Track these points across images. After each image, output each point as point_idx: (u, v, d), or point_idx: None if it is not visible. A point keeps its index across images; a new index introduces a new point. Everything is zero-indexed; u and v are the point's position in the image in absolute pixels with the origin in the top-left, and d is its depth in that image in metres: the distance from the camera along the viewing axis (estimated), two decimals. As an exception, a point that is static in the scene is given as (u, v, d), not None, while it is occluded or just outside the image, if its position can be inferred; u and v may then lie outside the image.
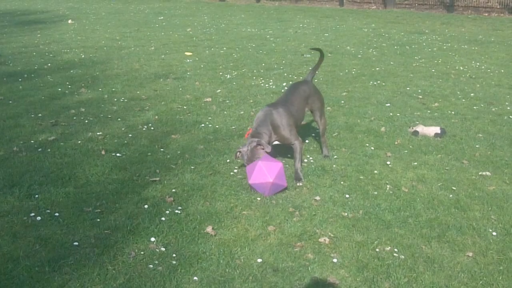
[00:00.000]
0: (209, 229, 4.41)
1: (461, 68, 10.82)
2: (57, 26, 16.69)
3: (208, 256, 4.05)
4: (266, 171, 4.97)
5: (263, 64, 11.08)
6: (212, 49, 12.94)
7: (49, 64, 10.71)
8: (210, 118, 7.34)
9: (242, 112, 7.61)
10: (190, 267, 3.90)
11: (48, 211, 4.62)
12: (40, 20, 18.35)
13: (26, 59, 11.27)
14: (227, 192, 5.11)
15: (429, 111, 7.82)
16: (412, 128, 6.86)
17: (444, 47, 13.43)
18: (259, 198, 4.98)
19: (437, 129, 6.70)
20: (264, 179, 4.96)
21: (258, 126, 5.36)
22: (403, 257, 4.10)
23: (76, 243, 4.13)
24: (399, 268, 3.95)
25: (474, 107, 8.02)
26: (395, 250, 4.19)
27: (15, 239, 4.16)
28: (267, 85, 9.25)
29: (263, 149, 5.23)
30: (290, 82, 9.45)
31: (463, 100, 8.45)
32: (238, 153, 5.35)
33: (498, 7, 21.48)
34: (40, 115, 7.32)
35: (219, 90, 8.88)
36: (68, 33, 15.10)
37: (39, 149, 6.03)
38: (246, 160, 5.25)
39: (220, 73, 10.18)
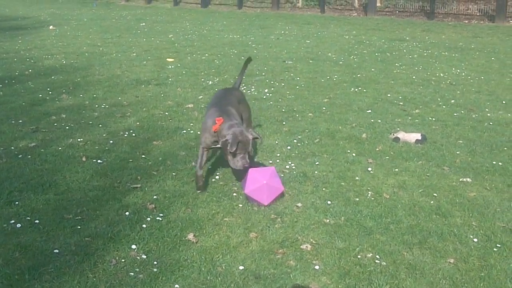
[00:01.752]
0: (190, 236, 4.40)
1: (442, 75, 10.92)
2: (38, 32, 16.59)
3: (190, 263, 4.04)
4: (258, 176, 4.95)
5: (245, 71, 11.04)
6: (194, 55, 12.93)
7: (30, 70, 10.64)
8: (191, 124, 7.33)
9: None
10: (172, 274, 3.88)
11: (28, 218, 4.58)
12: (21, 26, 18.23)
13: (6, 65, 11.18)
14: (208, 199, 5.09)
15: (410, 118, 7.87)
16: (393, 134, 6.89)
17: (425, 54, 13.55)
18: (240, 205, 4.97)
19: (418, 136, 6.75)
20: (258, 183, 4.91)
21: (229, 116, 5.17)
22: (384, 263, 4.11)
23: (56, 251, 4.09)
24: (381, 275, 3.96)
25: (455, 114, 8.08)
26: (377, 256, 4.20)
27: (-6, 247, 4.12)
28: (249, 91, 9.25)
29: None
30: (272, 89, 9.47)
31: (444, 106, 8.52)
32: (226, 141, 4.95)
33: (478, 14, 21.74)
34: (20, 121, 7.25)
35: (201, 96, 8.87)
36: (49, 39, 15.00)
37: (19, 156, 5.97)
38: (238, 145, 4.96)
39: (202, 80, 10.18)
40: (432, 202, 5.16)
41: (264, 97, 8.94)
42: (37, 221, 4.53)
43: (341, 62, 12.26)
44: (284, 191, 5.12)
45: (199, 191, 5.17)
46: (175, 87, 9.52)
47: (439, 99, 9.00)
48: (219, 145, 5.09)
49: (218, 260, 4.10)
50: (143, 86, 9.56)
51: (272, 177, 5.00)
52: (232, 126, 5.02)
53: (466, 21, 21.24)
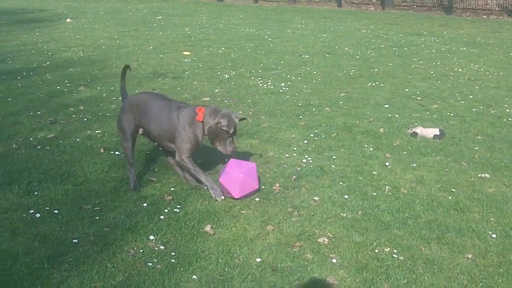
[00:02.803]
0: (207, 228, 4.41)
1: (460, 70, 10.84)
2: (55, 25, 16.67)
3: (207, 255, 4.05)
4: (236, 168, 4.91)
5: (261, 64, 11.07)
6: (210, 48, 12.93)
7: (47, 62, 10.70)
8: (208, 117, 7.33)
9: (240, 112, 7.59)
10: (189, 265, 3.90)
11: (47, 208, 4.62)
12: (39, 18, 18.33)
13: (25, 57, 11.25)
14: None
15: (428, 113, 7.82)
16: (411, 129, 6.86)
17: (443, 49, 13.45)
18: (257, 198, 4.97)
19: (436, 131, 6.71)
20: (234, 174, 4.87)
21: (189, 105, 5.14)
22: (402, 258, 4.10)
23: (75, 240, 4.13)
24: (399, 269, 3.95)
25: (473, 109, 8.03)
26: (395, 251, 4.19)
27: (14, 235, 4.16)
28: (265, 85, 9.25)
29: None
30: (289, 83, 9.46)
31: (462, 102, 8.46)
32: (223, 122, 4.88)
33: (497, 9, 21.53)
34: (39, 113, 7.30)
35: (217, 90, 8.88)
36: (66, 32, 15.08)
37: (38, 147, 6.02)
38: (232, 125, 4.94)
39: (218, 73, 10.18)
40: (450, 197, 5.13)
41: (281, 91, 8.93)
42: (56, 211, 4.57)
43: (358, 56, 12.21)
44: (258, 190, 5.04)
45: (222, 197, 4.97)
46: (192, 80, 9.53)
47: (457, 94, 8.93)
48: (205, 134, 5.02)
49: (235, 252, 4.11)
50: (159, 79, 9.58)
51: (250, 173, 4.94)
52: (215, 110, 4.99)
53: (485, 16, 21.04)
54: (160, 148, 5.40)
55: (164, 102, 5.11)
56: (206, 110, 4.95)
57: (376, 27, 17.62)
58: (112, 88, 8.77)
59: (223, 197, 4.92)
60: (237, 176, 4.86)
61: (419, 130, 6.78)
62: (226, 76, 9.94)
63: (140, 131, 5.20)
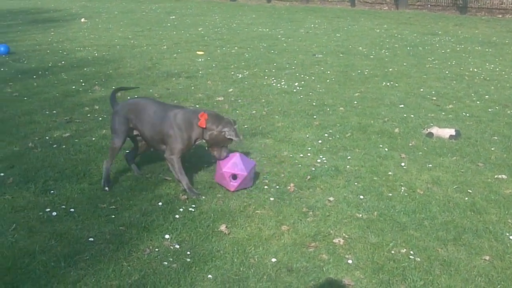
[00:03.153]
0: (222, 227, 4.41)
1: (475, 70, 10.77)
2: (70, 25, 16.75)
3: (222, 254, 4.05)
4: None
5: (275, 64, 11.06)
6: (224, 48, 12.94)
7: (62, 62, 10.75)
8: (223, 117, 7.33)
9: (254, 112, 7.60)
10: (205, 265, 3.90)
11: (64, 206, 4.64)
12: (53, 18, 18.43)
13: (40, 56, 11.32)
14: (240, 191, 5.09)
15: (443, 113, 7.78)
16: (427, 129, 6.83)
17: (458, 49, 13.37)
18: (272, 198, 4.97)
19: (452, 131, 6.67)
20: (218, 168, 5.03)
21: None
22: (419, 259, 4.07)
23: (91, 239, 4.15)
24: (415, 271, 3.92)
25: (489, 109, 7.97)
26: (411, 252, 4.16)
27: (31, 234, 4.18)
28: (278, 85, 9.24)
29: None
30: (302, 82, 9.44)
31: (478, 102, 8.40)
32: (228, 132, 4.96)
33: (512, 9, 21.36)
34: (54, 112, 7.34)
35: (231, 89, 8.88)
36: (81, 32, 15.15)
37: (54, 146, 6.05)
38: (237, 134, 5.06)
39: (232, 73, 10.18)
40: (466, 198, 5.10)
41: (294, 90, 8.92)
42: (72, 209, 4.59)
43: (372, 56, 12.17)
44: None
45: (203, 197, 4.99)
46: (205, 80, 9.54)
47: (473, 94, 8.88)
48: (200, 140, 5.09)
49: (250, 251, 4.10)
50: (173, 78, 9.60)
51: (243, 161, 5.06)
52: (218, 117, 5.05)
53: (500, 16, 20.89)
54: (152, 150, 5.45)
55: (160, 105, 5.19)
56: (208, 117, 4.97)
57: (390, 26, 17.55)
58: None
59: (204, 197, 4.96)
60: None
61: (435, 130, 6.74)
62: (240, 75, 9.94)
63: (134, 132, 5.25)
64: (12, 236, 4.14)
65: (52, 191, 4.92)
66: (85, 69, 10.14)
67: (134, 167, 5.48)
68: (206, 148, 5.26)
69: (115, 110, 5.27)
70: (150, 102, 5.26)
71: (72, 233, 4.22)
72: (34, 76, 9.40)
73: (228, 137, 4.95)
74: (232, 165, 4.96)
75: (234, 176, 4.98)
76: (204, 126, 4.94)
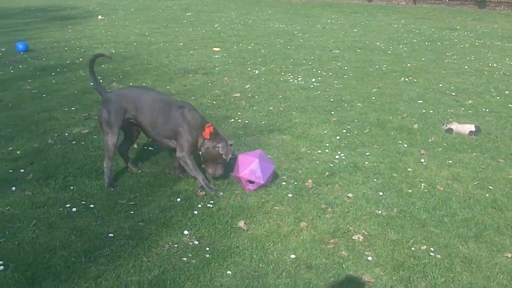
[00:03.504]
0: (241, 223, 4.41)
1: (495, 65, 10.67)
2: (87, 22, 16.81)
3: (241, 250, 4.05)
4: (248, 156, 5.04)
5: (291, 60, 11.03)
6: (240, 44, 12.92)
7: (80, 59, 10.80)
8: (239, 113, 7.33)
9: (271, 108, 7.58)
10: (224, 261, 3.90)
11: (83, 202, 4.67)
12: (71, 15, 18.51)
13: (58, 53, 11.37)
14: (257, 188, 5.09)
15: (462, 109, 7.71)
16: (446, 125, 6.77)
17: (477, 44, 13.25)
18: (290, 195, 4.95)
19: (471, 127, 6.61)
20: (251, 161, 4.97)
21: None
22: (439, 256, 4.04)
23: (111, 235, 4.16)
24: (436, 268, 3.90)
25: (509, 105, 7.89)
26: (431, 249, 4.13)
27: (51, 229, 4.21)
28: (295, 81, 9.21)
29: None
30: (319, 78, 9.40)
31: (498, 97, 8.32)
32: (222, 147, 5.01)
33: (531, 3, 21.13)
34: (73, 108, 7.38)
35: (248, 86, 8.87)
36: (98, 29, 15.20)
37: (73, 142, 6.08)
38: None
39: (249, 69, 10.17)
40: (487, 195, 5.05)
41: (312, 86, 8.89)
42: (92, 205, 4.61)
43: (389, 51, 12.09)
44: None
45: (221, 193, 4.99)
46: (222, 76, 9.54)
47: (492, 89, 8.79)
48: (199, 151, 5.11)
49: (269, 248, 4.10)
50: (190, 75, 9.61)
51: (262, 156, 5.06)
52: (216, 133, 5.07)
53: (519, 11, 20.68)
54: (150, 140, 5.37)
55: (164, 98, 5.08)
56: (213, 131, 5.02)
57: (407, 21, 17.43)
58: (144, 84, 8.81)
59: (221, 193, 4.95)
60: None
61: (454, 126, 6.68)
62: (257, 71, 9.93)
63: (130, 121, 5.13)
64: (32, 231, 4.17)
65: (72, 187, 4.94)
66: (102, 66, 10.16)
67: (130, 164, 5.40)
68: (202, 166, 5.24)
69: (106, 98, 5.03)
70: (148, 92, 5.15)
71: (92, 229, 4.23)
72: (53, 73, 9.45)
73: (221, 152, 4.99)
74: (250, 172, 4.94)
75: (251, 181, 4.97)
76: (208, 137, 4.98)
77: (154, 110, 4.97)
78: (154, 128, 5.00)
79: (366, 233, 4.35)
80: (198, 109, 5.07)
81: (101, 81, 8.88)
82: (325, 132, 6.66)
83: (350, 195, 4.99)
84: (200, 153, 5.09)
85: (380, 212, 4.69)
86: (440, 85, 9.04)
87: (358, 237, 4.27)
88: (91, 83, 5.44)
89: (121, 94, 5.07)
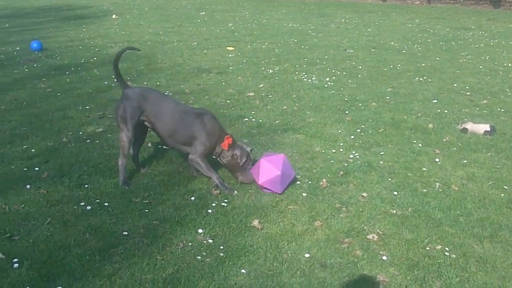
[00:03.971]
0: (255, 222, 4.40)
1: (510, 65, 10.59)
2: (101, 21, 16.89)
3: (255, 249, 4.04)
4: (271, 165, 4.88)
5: (305, 59, 11.02)
6: (254, 44, 12.92)
7: (95, 58, 10.85)
8: (253, 112, 7.33)
9: (285, 107, 7.58)
10: (238, 259, 3.90)
11: (98, 200, 4.68)
12: (85, 15, 18.60)
13: (72, 53, 11.43)
14: (273, 187, 5.09)
15: (477, 108, 7.66)
16: (461, 125, 6.73)
17: (491, 43, 13.16)
18: (304, 194, 4.94)
19: (486, 127, 6.57)
20: (273, 173, 4.86)
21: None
22: (454, 256, 4.02)
23: (125, 233, 4.17)
24: (451, 268, 3.87)
25: (524, 105, 7.84)
26: (446, 249, 4.11)
27: (66, 227, 4.22)
28: (309, 80, 9.20)
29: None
30: (333, 78, 9.38)
31: (513, 97, 8.27)
32: (239, 155, 5.07)
33: (547, 3, 20.95)
34: (87, 107, 7.41)
35: (261, 85, 8.86)
36: (112, 28, 15.26)
37: (88, 140, 6.10)
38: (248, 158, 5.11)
39: (263, 68, 10.16)
40: (502, 195, 5.02)
41: (326, 85, 8.87)
42: (106, 203, 4.62)
43: (404, 51, 12.04)
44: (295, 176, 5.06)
45: (236, 192, 4.99)
46: (236, 75, 9.54)
47: (507, 89, 8.73)
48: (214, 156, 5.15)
49: (283, 247, 4.09)
50: (204, 74, 9.62)
51: (285, 166, 4.95)
52: (234, 143, 5.10)
53: (534, 10, 20.52)
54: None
55: (183, 108, 5.12)
56: (232, 142, 5.05)
57: (422, 21, 17.35)
58: (158, 83, 8.84)
59: (236, 192, 4.95)
60: (276, 175, 4.87)
61: (469, 126, 6.64)
62: (270, 71, 9.92)
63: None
64: (47, 229, 4.18)
65: (86, 185, 4.96)
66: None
67: (138, 164, 5.40)
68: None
69: (125, 94, 5.06)
70: (167, 100, 5.16)
71: (107, 227, 4.25)
72: (67, 72, 9.49)
73: (238, 161, 5.03)
74: (270, 183, 4.89)
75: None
76: (226, 148, 5.04)
77: (173, 120, 4.99)
78: (172, 136, 5.04)
79: (380, 232, 4.33)
80: (212, 109, 5.08)
81: (115, 80, 8.96)
82: (339, 131, 6.64)
83: (364, 194, 4.98)
84: (222, 163, 5.16)
85: (394, 211, 4.67)
86: (455, 84, 8.99)
87: (373, 237, 4.26)
88: (114, 78, 5.41)
89: (140, 94, 5.06)
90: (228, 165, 5.13)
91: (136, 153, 5.38)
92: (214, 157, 5.15)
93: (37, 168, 5.29)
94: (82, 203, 4.61)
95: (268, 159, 4.98)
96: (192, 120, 4.98)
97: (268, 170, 4.89)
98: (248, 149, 5.15)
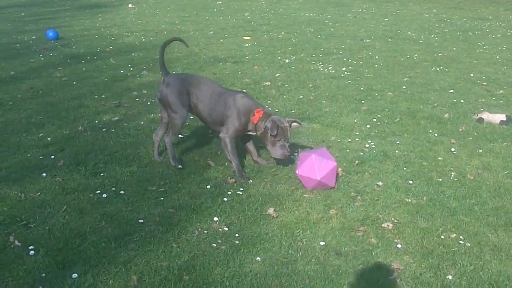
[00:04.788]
0: (270, 210, 4.42)
1: (527, 55, 10.49)
2: (117, 10, 16.92)
3: (270, 237, 4.06)
4: (316, 167, 4.74)
5: (322, 49, 10.98)
6: (270, 33, 12.89)
7: (111, 47, 10.88)
8: (269, 102, 7.32)
9: (301, 97, 7.57)
10: (253, 247, 3.92)
11: (113, 189, 4.71)
12: (101, 4, 18.63)
13: (88, 42, 11.47)
14: (287, 175, 5.10)
15: (494, 98, 7.61)
16: (477, 115, 6.69)
17: (509, 34, 13.04)
18: (320, 182, 4.94)
19: (502, 117, 6.52)
20: (312, 175, 4.74)
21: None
22: (469, 244, 4.01)
23: (141, 221, 4.20)
24: (465, 256, 3.87)
25: (542, 95, 7.77)
26: (461, 237, 4.10)
27: (82, 215, 4.26)
28: (326, 70, 9.17)
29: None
30: (350, 67, 9.35)
31: (530, 87, 8.20)
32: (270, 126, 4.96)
33: None
34: (103, 96, 7.45)
35: (278, 74, 8.85)
36: (128, 17, 15.29)
37: (103, 129, 6.14)
38: (278, 130, 4.98)
39: (279, 58, 10.15)
40: (518, 184, 5.00)
41: (342, 75, 8.84)
42: (122, 191, 4.66)
43: (421, 41, 11.96)
44: (336, 167, 4.86)
45: (251, 181, 5.01)
46: (252, 65, 9.53)
47: (524, 79, 8.66)
48: (251, 133, 5.17)
49: (298, 235, 4.10)
50: (220, 63, 9.62)
51: (328, 175, 4.76)
52: (267, 114, 5.05)
53: (554, -1, 20.26)
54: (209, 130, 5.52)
55: (219, 89, 5.23)
56: (263, 115, 5.03)
57: (439, 11, 17.21)
58: (174, 72, 8.83)
59: (251, 181, 4.97)
60: (313, 179, 4.74)
61: (485, 115, 6.60)
62: (287, 60, 9.90)
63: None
64: (63, 217, 4.22)
65: (102, 174, 5.00)
66: (133, 54, 10.24)
67: (157, 150, 5.41)
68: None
69: (168, 80, 5.24)
70: (206, 81, 5.33)
71: (122, 215, 4.28)
72: (83, 61, 9.54)
73: (269, 132, 4.96)
74: (327, 176, 4.76)
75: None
76: (256, 122, 5.03)
77: (212, 100, 5.12)
78: (210, 117, 5.14)
79: (395, 221, 4.33)
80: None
81: (131, 69, 9.01)
82: (355, 121, 6.62)
83: (380, 183, 4.97)
84: (258, 136, 5.15)
85: (409, 200, 4.67)
86: (471, 75, 8.93)
87: (388, 225, 4.26)
88: (158, 64, 5.46)
89: (182, 78, 5.29)
90: (261, 137, 5.10)
91: (159, 139, 5.40)
92: (253, 133, 5.16)
93: (53, 156, 5.33)
94: (98, 191, 4.64)
95: (319, 153, 4.85)
96: (225, 99, 5.09)
97: (324, 164, 4.75)
98: (286, 124, 5.04)
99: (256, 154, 5.40)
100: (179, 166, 5.12)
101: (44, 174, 4.93)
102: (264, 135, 5.04)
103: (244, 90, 5.31)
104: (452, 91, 7.93)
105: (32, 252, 3.74)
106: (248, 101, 5.11)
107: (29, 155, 5.36)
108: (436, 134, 6.20)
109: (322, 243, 4.00)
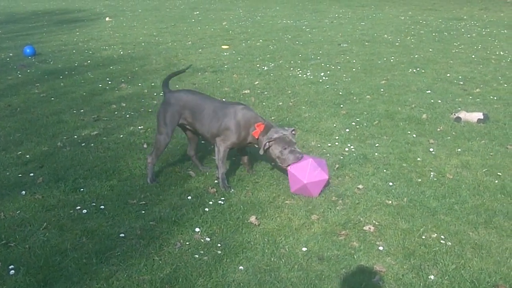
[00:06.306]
0: (252, 219, 4.42)
1: (502, 53, 10.62)
2: (95, 24, 16.88)
3: (253, 245, 4.06)
4: (308, 171, 4.74)
5: (300, 55, 11.03)
6: (249, 41, 12.93)
7: (88, 61, 10.85)
8: (249, 109, 7.32)
9: (280, 103, 7.59)
10: (236, 256, 3.91)
11: (94, 204, 4.68)
12: (78, 18, 18.59)
13: (66, 56, 11.42)
14: (268, 182, 5.11)
15: (470, 97, 7.69)
16: (455, 114, 6.75)
17: (483, 33, 13.19)
18: (301, 188, 4.95)
19: (480, 115, 6.59)
20: (301, 176, 4.74)
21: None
22: (450, 243, 4.04)
23: (122, 235, 4.18)
24: (447, 255, 3.89)
25: (517, 92, 7.86)
26: (442, 237, 4.13)
27: (62, 232, 4.22)
28: (304, 76, 9.21)
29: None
30: (328, 72, 9.40)
31: (505, 85, 8.28)
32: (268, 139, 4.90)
33: (539, -10, 20.95)
34: (82, 110, 7.41)
35: (257, 82, 8.88)
36: (106, 30, 15.26)
37: (83, 144, 6.11)
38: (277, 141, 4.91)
39: (257, 65, 10.18)
40: (496, 181, 5.04)
41: (321, 80, 8.88)
42: (102, 206, 4.63)
43: (397, 43, 12.06)
44: (328, 179, 4.89)
45: (233, 190, 5.00)
46: (231, 73, 9.55)
47: (500, 77, 8.75)
48: (251, 144, 5.11)
49: (281, 242, 4.11)
50: (199, 73, 9.62)
51: (312, 172, 4.76)
52: (271, 127, 4.95)
53: (527, -3, 20.53)
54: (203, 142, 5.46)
55: (220, 105, 5.13)
56: (264, 128, 4.94)
57: (414, 13, 17.37)
58: (153, 84, 8.85)
59: (233, 190, 4.96)
60: (302, 185, 4.75)
61: (463, 114, 6.66)
62: (265, 68, 9.94)
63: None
64: (43, 234, 4.18)
65: (82, 189, 4.97)
66: (111, 67, 10.22)
67: (201, 167, 5.43)
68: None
69: (167, 99, 5.18)
70: (205, 97, 5.25)
71: (103, 230, 4.25)
72: (61, 76, 9.49)
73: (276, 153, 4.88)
74: (315, 184, 4.79)
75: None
76: (257, 137, 4.96)
77: (210, 118, 5.05)
78: (209, 131, 5.08)
79: (377, 223, 4.35)
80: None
81: (109, 82, 8.99)
82: (334, 125, 6.65)
83: (360, 186, 5.00)
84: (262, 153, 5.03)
85: (390, 202, 4.69)
86: (448, 75, 9.01)
87: (369, 228, 4.28)
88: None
89: (180, 99, 5.16)
90: (267, 156, 4.99)
91: (194, 154, 5.43)
92: (255, 145, 5.07)
93: (32, 174, 5.30)
94: (78, 207, 4.61)
95: (317, 162, 4.84)
96: (225, 111, 5.02)
97: (317, 172, 4.75)
98: (285, 132, 4.93)
99: (249, 167, 5.38)
100: (154, 183, 5.07)
101: (24, 192, 4.89)
102: (268, 154, 4.95)
103: (242, 102, 5.28)
104: (429, 91, 8.00)
105: (12, 272, 3.70)
106: (248, 114, 5.01)
107: (8, 173, 5.32)
108: (414, 135, 6.25)
109: (304, 249, 4.01)
